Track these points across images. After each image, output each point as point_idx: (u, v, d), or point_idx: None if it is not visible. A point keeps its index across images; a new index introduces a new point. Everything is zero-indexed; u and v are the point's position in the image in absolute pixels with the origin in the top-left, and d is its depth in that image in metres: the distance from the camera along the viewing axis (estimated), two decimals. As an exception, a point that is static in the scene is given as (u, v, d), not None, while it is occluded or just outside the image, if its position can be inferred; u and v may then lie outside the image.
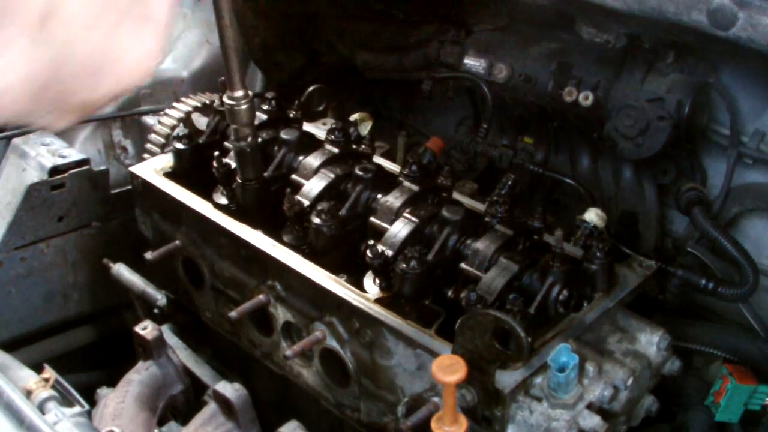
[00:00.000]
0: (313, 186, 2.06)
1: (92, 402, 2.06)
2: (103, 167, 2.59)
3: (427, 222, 1.92)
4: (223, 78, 2.37)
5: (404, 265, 1.79)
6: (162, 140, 2.48)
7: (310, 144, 2.21)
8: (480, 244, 1.84)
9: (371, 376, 1.85)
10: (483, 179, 2.51)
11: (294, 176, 2.13)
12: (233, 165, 2.15)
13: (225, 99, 1.99)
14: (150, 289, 2.45)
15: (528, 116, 2.53)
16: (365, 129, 2.51)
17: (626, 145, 2.20)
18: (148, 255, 2.19)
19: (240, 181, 2.11)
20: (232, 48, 1.91)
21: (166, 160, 2.31)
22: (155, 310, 2.46)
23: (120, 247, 2.60)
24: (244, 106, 1.98)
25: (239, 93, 1.97)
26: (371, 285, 1.90)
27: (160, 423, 2.04)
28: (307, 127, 2.37)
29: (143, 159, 2.43)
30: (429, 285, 1.84)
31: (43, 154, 2.50)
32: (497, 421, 1.63)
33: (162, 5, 0.94)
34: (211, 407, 1.92)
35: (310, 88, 2.56)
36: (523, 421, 1.64)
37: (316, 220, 1.93)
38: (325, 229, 1.93)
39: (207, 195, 2.18)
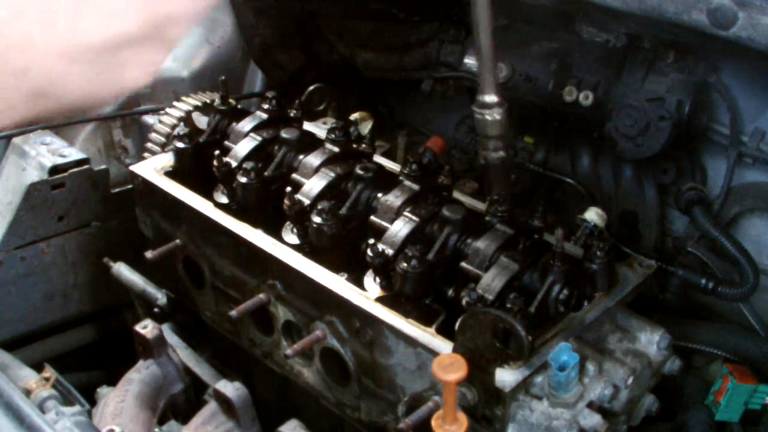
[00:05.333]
0: (314, 185, 2.06)
1: (92, 401, 2.06)
2: (103, 167, 2.58)
3: (428, 221, 1.92)
4: (223, 77, 2.38)
5: (405, 264, 1.78)
6: (162, 139, 2.48)
7: (311, 143, 2.21)
8: (480, 243, 1.84)
9: (372, 375, 1.85)
10: (483, 179, 2.50)
11: (294, 175, 2.13)
12: (234, 164, 2.15)
13: (474, 107, 1.74)
14: (150, 288, 2.45)
15: (528, 116, 2.54)
16: (365, 128, 2.51)
17: (626, 144, 2.20)
18: (149, 254, 2.19)
19: (489, 199, 1.85)
20: (488, 51, 1.75)
21: (167, 159, 2.31)
22: (155, 309, 2.46)
23: (120, 246, 2.59)
24: (497, 116, 1.72)
25: (491, 99, 1.73)
26: (372, 284, 1.89)
27: (161, 422, 2.04)
28: (308, 126, 2.37)
29: (143, 158, 2.43)
30: (429, 284, 1.84)
31: (43, 153, 2.49)
32: (498, 420, 1.63)
33: None
34: (212, 406, 1.92)
35: (310, 88, 2.56)
36: (524, 420, 1.65)
37: (317, 219, 1.93)
38: (326, 228, 1.93)
39: (207, 194, 2.18)
